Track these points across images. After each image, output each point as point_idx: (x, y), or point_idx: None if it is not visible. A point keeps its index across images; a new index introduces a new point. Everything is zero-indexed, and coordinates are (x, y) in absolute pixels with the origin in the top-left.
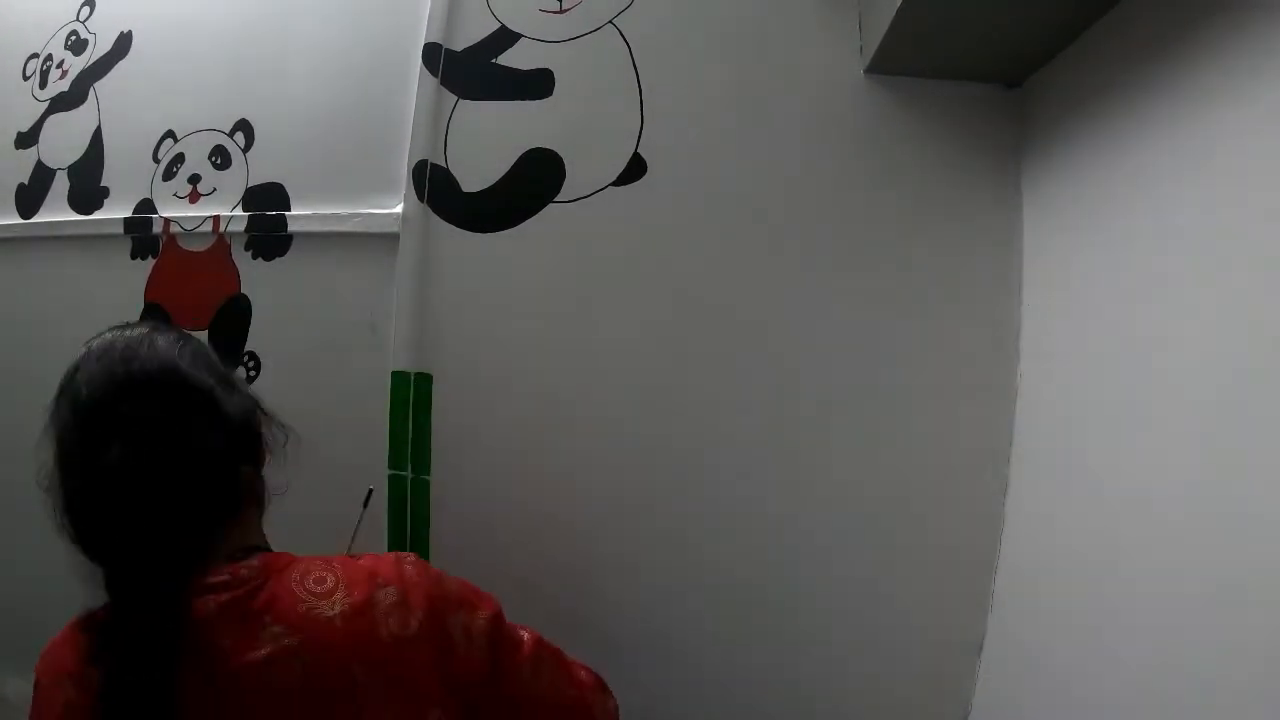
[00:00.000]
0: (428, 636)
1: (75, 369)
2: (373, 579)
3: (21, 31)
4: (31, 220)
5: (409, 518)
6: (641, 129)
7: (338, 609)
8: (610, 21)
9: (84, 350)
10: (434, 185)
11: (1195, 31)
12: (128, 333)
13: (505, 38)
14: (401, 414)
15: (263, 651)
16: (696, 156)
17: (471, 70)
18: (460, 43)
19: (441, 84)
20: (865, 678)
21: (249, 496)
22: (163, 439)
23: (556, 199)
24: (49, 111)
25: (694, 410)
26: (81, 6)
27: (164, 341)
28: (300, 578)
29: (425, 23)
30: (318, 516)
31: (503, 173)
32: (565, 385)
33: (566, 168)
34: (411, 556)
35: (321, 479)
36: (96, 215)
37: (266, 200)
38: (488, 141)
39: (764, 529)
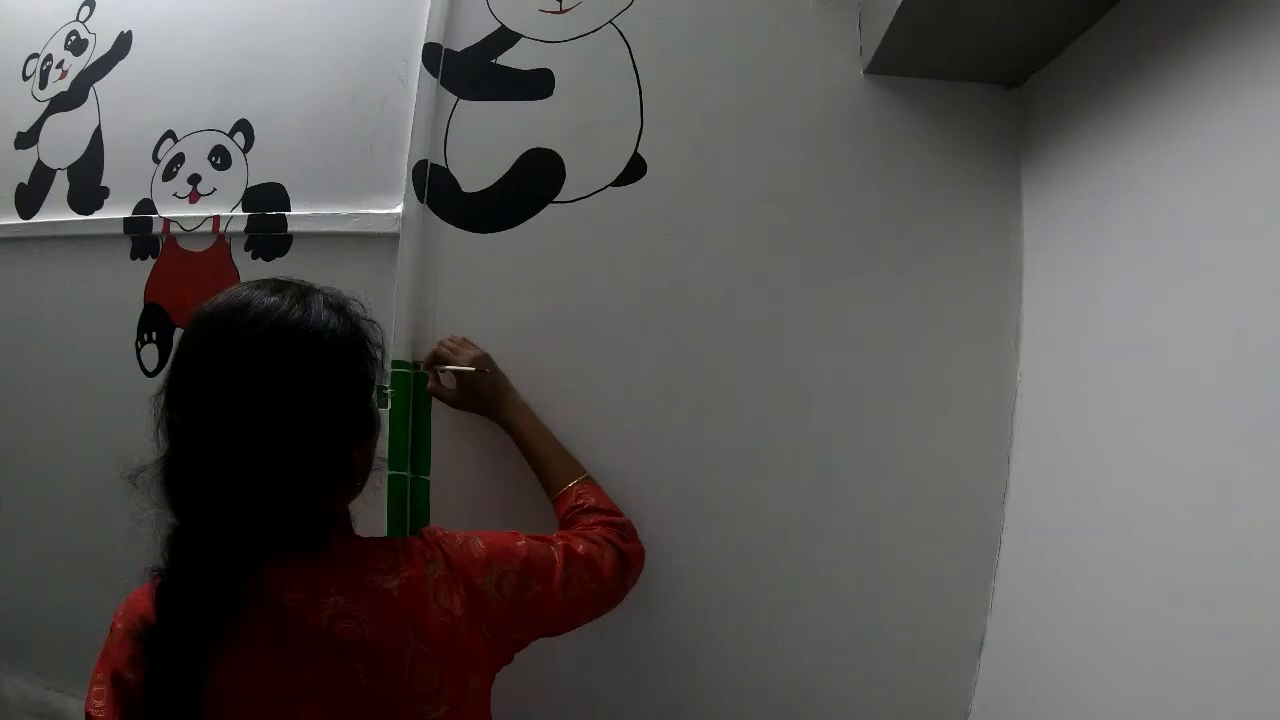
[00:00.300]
0: (468, 609)
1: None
2: (422, 554)
3: (21, 31)
4: (31, 220)
5: (409, 518)
6: (641, 129)
7: (395, 582)
8: (610, 21)
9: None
10: (434, 185)
11: (1195, 31)
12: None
13: (505, 38)
14: (401, 414)
15: (326, 616)
16: (696, 156)
17: (471, 70)
18: (460, 43)
19: (441, 84)
20: (865, 678)
21: (346, 477)
22: (260, 406)
23: (556, 199)
24: (49, 111)
25: (693, 410)
26: (81, 6)
27: (301, 304)
28: (363, 555)
29: (425, 23)
30: None
31: (503, 173)
32: (565, 385)
33: (566, 168)
34: (438, 530)
35: None
36: (96, 215)
37: (266, 200)
38: (488, 141)
39: (763, 528)
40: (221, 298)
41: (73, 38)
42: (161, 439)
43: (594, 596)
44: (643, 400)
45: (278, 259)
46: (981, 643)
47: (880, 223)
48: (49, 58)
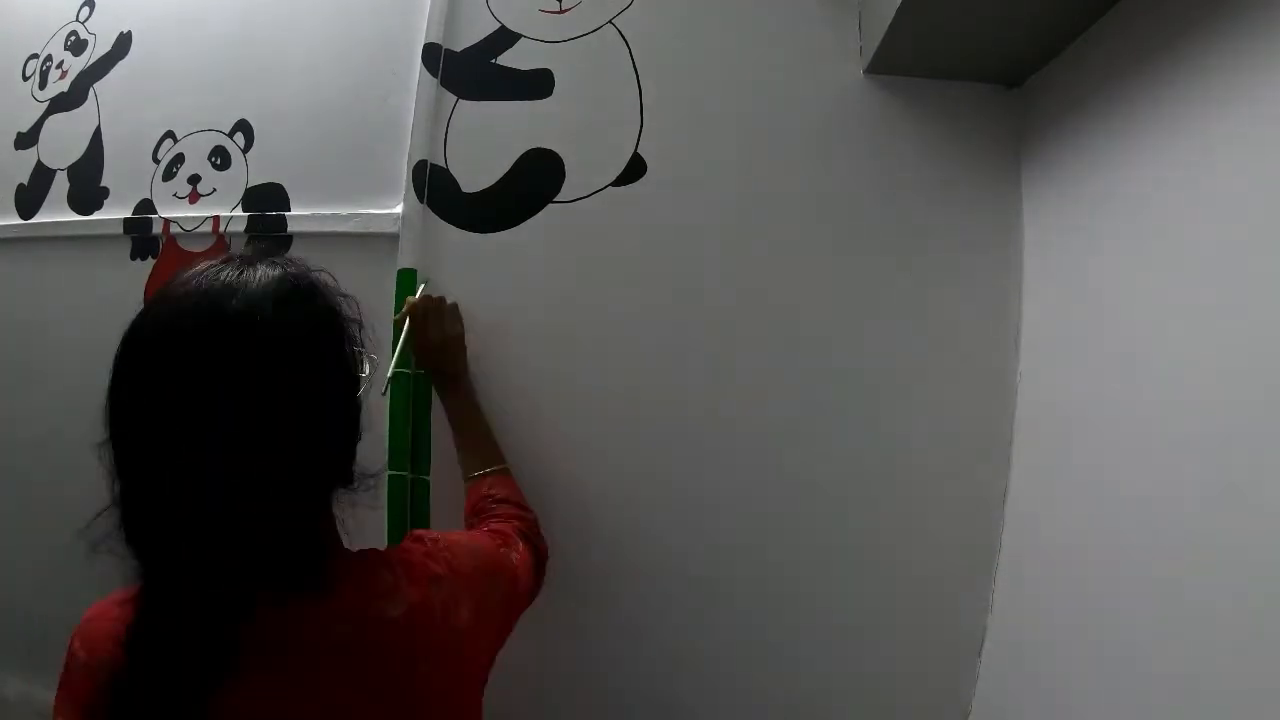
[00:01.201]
0: (476, 622)
1: (143, 311)
2: (425, 572)
3: (21, 32)
4: (31, 220)
5: (409, 518)
6: (641, 129)
7: (400, 609)
8: (610, 21)
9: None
10: (434, 185)
11: (1195, 31)
12: (219, 270)
13: (505, 38)
14: (401, 414)
15: (333, 650)
16: (696, 156)
17: (471, 70)
18: (460, 43)
19: (441, 84)
20: (865, 678)
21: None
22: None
23: (556, 199)
24: (49, 112)
25: (693, 409)
26: (81, 7)
27: (263, 276)
28: (362, 577)
29: (425, 23)
30: None
31: (503, 173)
32: (565, 385)
33: (566, 168)
34: (426, 537)
35: None
36: (96, 216)
37: (266, 200)
38: (488, 141)
39: (763, 528)
40: (172, 286)
41: (72, 38)
42: (114, 474)
43: (528, 597)
44: (642, 399)
45: None
46: (981, 643)
47: (880, 222)
48: (49, 58)
